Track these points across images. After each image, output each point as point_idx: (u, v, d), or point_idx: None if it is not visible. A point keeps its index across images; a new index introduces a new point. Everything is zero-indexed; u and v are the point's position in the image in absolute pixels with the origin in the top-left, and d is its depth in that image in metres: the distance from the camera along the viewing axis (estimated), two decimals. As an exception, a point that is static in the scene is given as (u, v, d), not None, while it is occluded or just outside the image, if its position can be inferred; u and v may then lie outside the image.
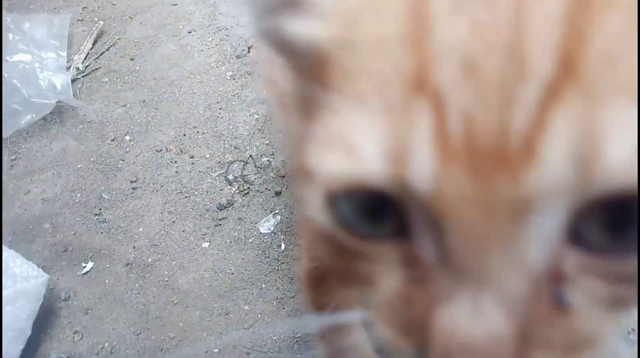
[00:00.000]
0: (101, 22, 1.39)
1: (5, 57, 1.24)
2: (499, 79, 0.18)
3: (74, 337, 0.77)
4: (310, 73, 0.24)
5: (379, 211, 0.23)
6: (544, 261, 0.21)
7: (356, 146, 0.21)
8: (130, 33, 1.37)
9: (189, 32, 1.35)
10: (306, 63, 0.24)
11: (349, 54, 0.22)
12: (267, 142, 1.04)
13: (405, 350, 0.24)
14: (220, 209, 0.92)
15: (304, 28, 0.24)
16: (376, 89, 0.21)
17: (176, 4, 1.46)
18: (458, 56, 0.19)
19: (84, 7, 1.50)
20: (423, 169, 0.20)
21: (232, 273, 0.83)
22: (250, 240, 0.87)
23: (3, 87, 1.13)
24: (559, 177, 0.18)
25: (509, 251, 0.20)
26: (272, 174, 0.97)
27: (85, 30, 1.40)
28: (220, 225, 0.90)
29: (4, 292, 0.74)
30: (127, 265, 0.85)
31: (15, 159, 1.04)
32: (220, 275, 0.82)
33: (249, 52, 1.25)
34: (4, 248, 0.81)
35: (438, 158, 0.19)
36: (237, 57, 1.24)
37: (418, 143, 0.19)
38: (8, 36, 1.28)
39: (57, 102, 1.08)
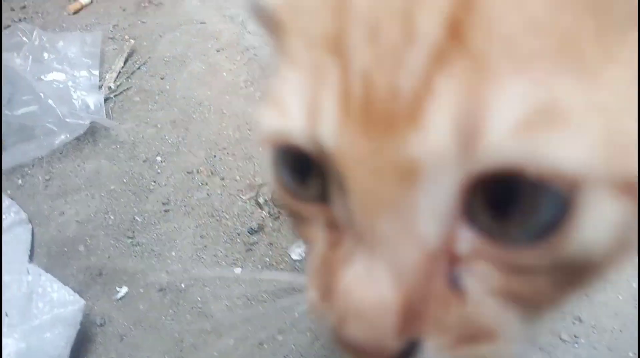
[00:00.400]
0: (132, 41, 1.41)
1: (40, 76, 1.27)
2: (394, 43, 0.19)
3: (109, 364, 0.77)
4: (276, 39, 0.26)
5: (306, 172, 0.24)
6: (437, 236, 0.20)
7: (285, 103, 0.22)
8: (160, 51, 1.38)
9: (217, 51, 1.36)
10: (273, 29, 0.26)
11: (292, 18, 0.24)
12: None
13: (323, 314, 0.24)
14: (251, 234, 0.92)
15: None
16: (305, 51, 0.22)
17: (205, 23, 1.47)
18: (365, 20, 0.19)
19: (115, 25, 1.52)
20: (328, 127, 0.20)
21: (265, 301, 0.83)
22: (282, 266, 0.87)
23: (38, 107, 1.15)
24: (443, 146, 0.18)
25: (399, 218, 0.20)
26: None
27: (116, 49, 1.42)
28: (251, 249, 0.90)
29: (43, 317, 0.75)
30: (161, 290, 0.86)
31: (49, 179, 1.06)
32: (253, 302, 0.83)
33: (277, 72, 1.25)
34: (41, 271, 0.83)
35: (340, 117, 0.20)
36: (267, 77, 1.25)
37: (326, 101, 0.20)
38: (43, 55, 1.31)
39: (90, 122, 1.10)
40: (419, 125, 0.18)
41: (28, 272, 0.81)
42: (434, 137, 0.18)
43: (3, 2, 1.58)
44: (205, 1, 1.57)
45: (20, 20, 1.60)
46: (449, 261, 0.21)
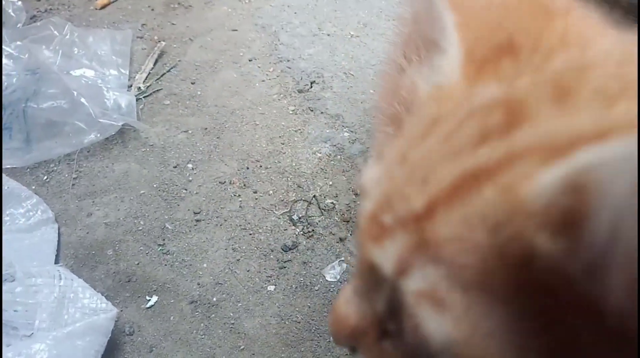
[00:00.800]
0: (162, 42, 1.39)
1: (69, 71, 1.25)
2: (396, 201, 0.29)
3: (138, 376, 0.75)
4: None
5: None
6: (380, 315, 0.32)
7: (367, 181, 0.33)
8: (190, 56, 1.37)
9: (249, 60, 1.35)
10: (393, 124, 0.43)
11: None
12: (330, 183, 1.03)
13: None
14: (285, 251, 0.91)
15: None
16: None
17: (236, 30, 1.46)
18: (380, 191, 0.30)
19: (143, 24, 1.51)
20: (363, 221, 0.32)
21: (299, 322, 0.81)
22: (317, 287, 0.86)
23: (66, 102, 1.13)
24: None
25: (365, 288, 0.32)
26: (336, 218, 0.96)
27: (145, 49, 1.40)
28: (285, 267, 0.89)
29: (75, 324, 0.73)
30: (192, 302, 0.84)
31: (77, 178, 1.04)
32: (287, 322, 0.81)
33: (311, 87, 1.25)
34: (74, 276, 0.81)
35: (366, 221, 0.31)
36: (299, 91, 1.24)
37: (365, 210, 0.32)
38: (73, 50, 1.29)
39: (123, 124, 1.08)
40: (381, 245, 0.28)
41: (60, 277, 0.79)
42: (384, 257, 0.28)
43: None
44: (236, 8, 1.56)
45: (46, 11, 1.57)
46: (381, 331, 0.32)
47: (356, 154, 1.07)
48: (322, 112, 1.17)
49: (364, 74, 1.27)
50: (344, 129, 1.12)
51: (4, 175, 0.96)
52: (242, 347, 0.78)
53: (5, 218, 0.89)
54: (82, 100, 1.10)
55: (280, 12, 1.51)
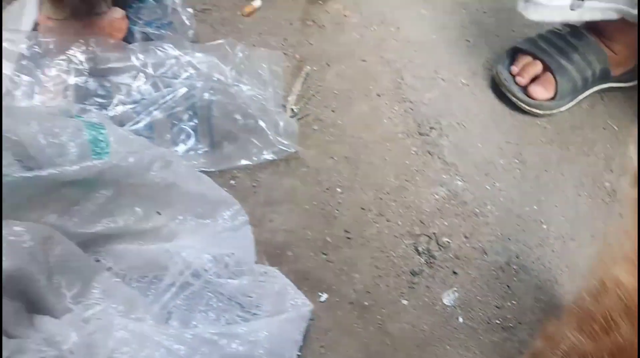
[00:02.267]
0: (308, 67, 1.68)
1: (241, 87, 1.54)
2: None
3: (320, 350, 1.13)
4: None
5: None
6: None
7: None
8: (329, 82, 1.66)
9: (377, 95, 1.64)
10: None
11: None
12: (445, 223, 1.37)
13: None
14: (412, 275, 1.27)
15: None
16: None
17: (365, 61, 1.74)
18: None
19: (285, 39, 1.78)
20: None
21: (425, 331, 1.18)
22: (437, 308, 1.22)
23: (242, 117, 1.43)
24: None
25: None
26: (450, 254, 1.31)
27: (289, 66, 1.69)
28: (413, 288, 1.25)
29: (288, 312, 1.09)
30: (350, 303, 1.20)
31: (256, 186, 1.37)
32: (417, 330, 1.18)
33: (430, 131, 1.56)
34: (276, 271, 1.16)
35: None
36: (420, 134, 1.55)
37: None
38: (241, 67, 1.57)
39: (293, 149, 1.39)
40: None
41: (267, 273, 1.14)
42: None
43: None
44: (364, 36, 1.83)
45: (201, 11, 1.83)
46: None
47: (467, 202, 1.40)
48: (439, 158, 1.49)
49: (474, 126, 1.58)
50: (457, 178, 1.45)
51: (210, 179, 1.29)
52: (388, 343, 1.16)
53: (218, 220, 1.23)
54: (261, 123, 1.41)
55: (403, 48, 1.78)
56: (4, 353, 0.85)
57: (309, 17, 1.89)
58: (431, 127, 1.56)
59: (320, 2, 1.95)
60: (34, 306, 0.96)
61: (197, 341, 0.96)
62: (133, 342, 0.92)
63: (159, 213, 1.18)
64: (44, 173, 0.99)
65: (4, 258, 0.90)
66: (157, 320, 1.03)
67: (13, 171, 1.00)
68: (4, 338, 0.87)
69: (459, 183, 1.44)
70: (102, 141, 1.11)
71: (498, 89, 1.66)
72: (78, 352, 0.89)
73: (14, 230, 0.95)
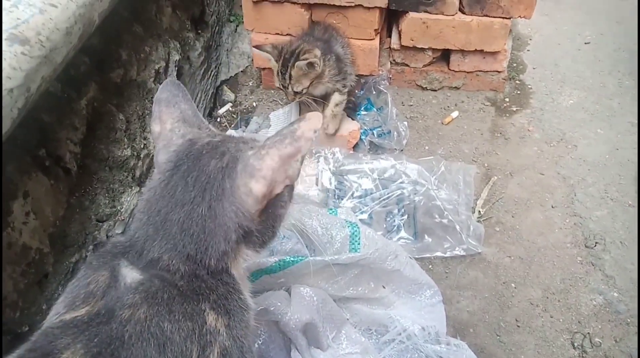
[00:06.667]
0: (495, 177, 2.13)
1: (435, 190, 2.05)
2: None
3: None
4: None
5: None
6: None
7: None
8: (511, 190, 2.09)
9: (552, 207, 2.02)
10: None
11: None
12: (599, 327, 1.71)
13: None
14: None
15: None
16: None
17: (543, 174, 2.13)
18: None
19: (476, 148, 2.25)
20: None
21: (574, 411, 1.55)
22: (586, 394, 1.58)
23: (439, 217, 1.93)
24: None
25: None
26: (600, 353, 1.66)
27: (478, 173, 2.15)
28: (567, 375, 1.62)
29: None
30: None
31: (447, 273, 1.86)
32: (568, 409, 1.56)
33: (595, 246, 1.90)
34: (464, 344, 1.63)
35: None
36: (586, 246, 1.90)
37: None
38: (441, 176, 2.08)
39: (480, 250, 1.86)
40: None
41: (458, 345, 1.62)
42: None
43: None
44: (543, 151, 2.22)
45: (410, 118, 2.38)
46: None
47: (620, 312, 1.73)
48: (600, 270, 1.83)
49: (635, 246, 1.88)
50: (614, 290, 1.78)
51: (421, 267, 1.81)
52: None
53: (422, 297, 1.74)
54: (455, 224, 1.90)
55: (578, 166, 2.14)
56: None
57: (497, 128, 2.34)
58: (596, 242, 1.90)
59: (506, 115, 2.39)
60: (313, 342, 1.57)
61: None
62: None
63: (384, 287, 1.73)
64: (327, 258, 1.60)
65: (302, 311, 1.52)
66: (381, 364, 1.57)
67: (305, 254, 1.63)
68: None
69: (615, 294, 1.77)
70: (356, 236, 1.70)
71: (664, 214, 1.93)
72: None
73: (307, 292, 1.57)
